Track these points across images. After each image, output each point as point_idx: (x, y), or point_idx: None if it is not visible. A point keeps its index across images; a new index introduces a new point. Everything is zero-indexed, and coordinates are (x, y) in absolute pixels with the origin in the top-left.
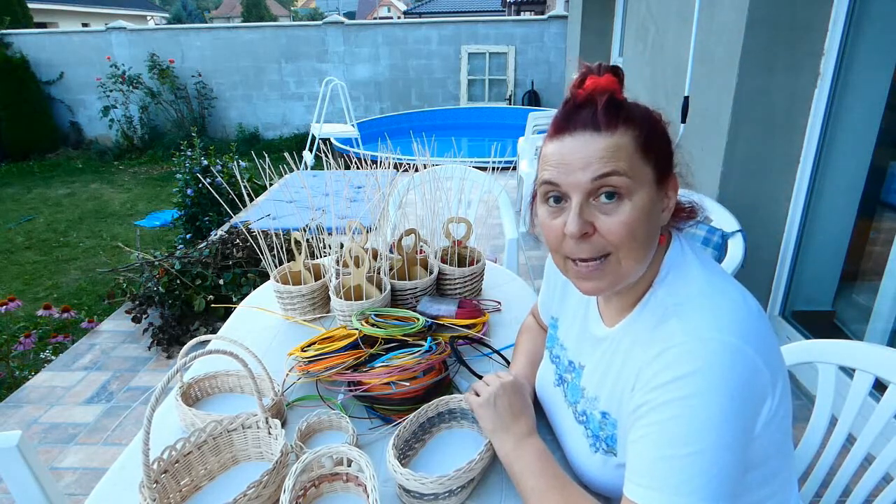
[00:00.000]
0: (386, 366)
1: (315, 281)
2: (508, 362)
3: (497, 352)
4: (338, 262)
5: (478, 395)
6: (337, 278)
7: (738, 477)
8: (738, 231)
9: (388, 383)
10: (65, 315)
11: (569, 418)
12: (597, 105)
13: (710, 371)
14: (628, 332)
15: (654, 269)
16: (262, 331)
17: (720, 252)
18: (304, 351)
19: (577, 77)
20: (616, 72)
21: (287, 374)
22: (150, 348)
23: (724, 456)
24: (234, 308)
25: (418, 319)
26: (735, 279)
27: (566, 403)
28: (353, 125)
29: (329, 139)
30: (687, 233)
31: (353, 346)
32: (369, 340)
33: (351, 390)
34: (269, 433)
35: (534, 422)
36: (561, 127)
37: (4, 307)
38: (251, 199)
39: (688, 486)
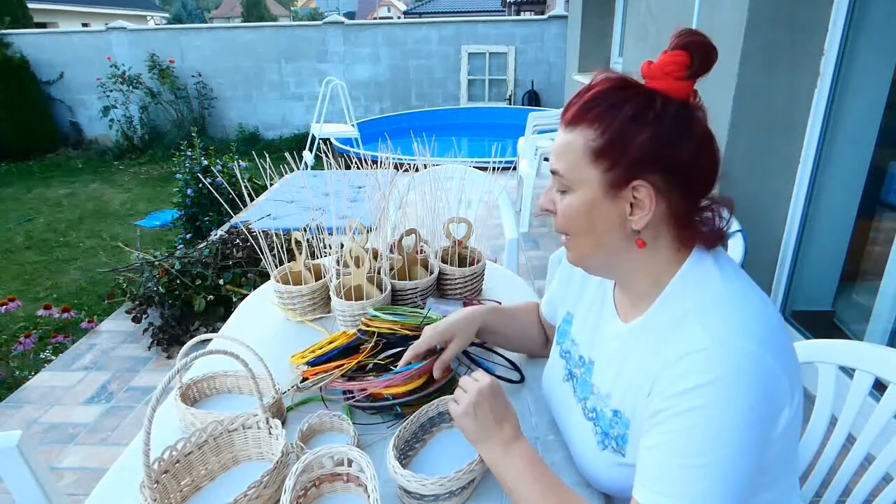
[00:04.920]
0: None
1: (315, 281)
2: (515, 366)
3: (506, 358)
4: (338, 262)
5: (457, 403)
6: (337, 278)
7: (752, 482)
8: (738, 231)
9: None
10: (65, 315)
11: (577, 415)
12: (583, 96)
13: (732, 380)
14: (644, 331)
15: (669, 270)
16: (263, 329)
17: None
18: (304, 357)
19: (672, 42)
20: (691, 46)
21: (292, 388)
22: (150, 348)
23: (742, 465)
24: (234, 308)
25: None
26: (756, 284)
27: (575, 399)
28: (353, 125)
29: (329, 139)
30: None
31: (354, 344)
32: (369, 335)
33: (348, 397)
34: (270, 433)
35: (517, 423)
36: (564, 110)
37: (4, 307)
38: (251, 199)
39: (707, 494)
